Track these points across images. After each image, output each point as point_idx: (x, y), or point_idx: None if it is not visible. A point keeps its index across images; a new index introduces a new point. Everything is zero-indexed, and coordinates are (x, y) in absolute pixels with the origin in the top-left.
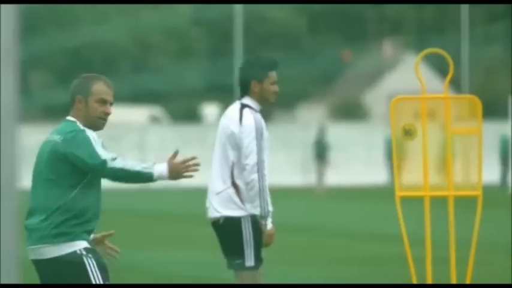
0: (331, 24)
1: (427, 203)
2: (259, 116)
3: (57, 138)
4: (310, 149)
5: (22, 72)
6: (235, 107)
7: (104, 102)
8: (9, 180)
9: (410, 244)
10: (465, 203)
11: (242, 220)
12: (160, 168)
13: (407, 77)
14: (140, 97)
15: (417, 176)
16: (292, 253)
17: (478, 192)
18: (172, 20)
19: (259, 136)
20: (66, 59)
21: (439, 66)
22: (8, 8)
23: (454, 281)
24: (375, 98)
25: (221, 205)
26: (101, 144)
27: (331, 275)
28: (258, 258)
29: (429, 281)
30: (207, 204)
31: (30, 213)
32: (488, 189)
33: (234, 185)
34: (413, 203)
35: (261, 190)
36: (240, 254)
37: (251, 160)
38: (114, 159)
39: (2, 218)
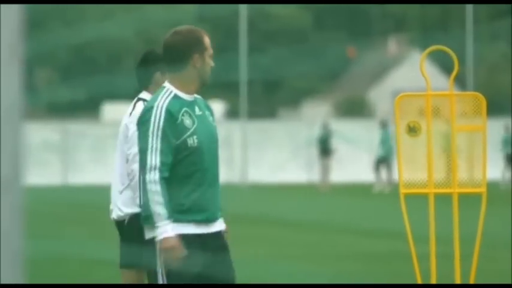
0: (335, 21)
1: (431, 200)
2: None
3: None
4: (311, 146)
5: (27, 70)
6: (132, 103)
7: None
8: (14, 177)
9: (414, 241)
10: (470, 200)
11: None
12: (168, 229)
13: (412, 74)
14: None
15: (422, 173)
16: (297, 249)
17: (483, 189)
18: (177, 16)
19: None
20: (71, 56)
21: (443, 64)
22: (12, 5)
23: (458, 278)
24: (379, 95)
25: (125, 204)
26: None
27: (336, 271)
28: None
29: (433, 278)
30: (111, 206)
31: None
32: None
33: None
34: (417, 200)
35: (143, 183)
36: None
37: (134, 149)
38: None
39: (6, 215)
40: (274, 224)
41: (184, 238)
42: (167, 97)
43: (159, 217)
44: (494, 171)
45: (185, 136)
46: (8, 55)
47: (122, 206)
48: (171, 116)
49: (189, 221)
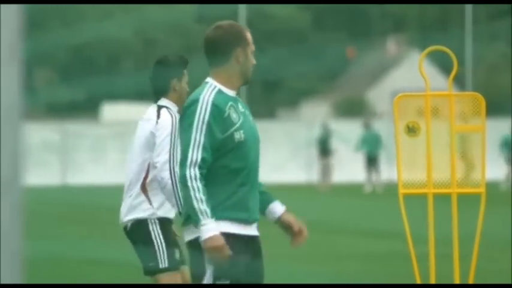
0: (335, 21)
1: (430, 200)
2: (177, 114)
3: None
4: (314, 146)
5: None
6: (152, 109)
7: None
8: (14, 177)
9: (413, 241)
10: (470, 200)
11: (148, 221)
12: (213, 227)
13: (411, 74)
14: (145, 94)
15: (422, 173)
16: (296, 249)
17: (482, 190)
18: (175, 16)
19: (174, 133)
20: (70, 56)
21: (442, 64)
22: (12, 5)
23: (457, 278)
24: (378, 95)
25: (129, 209)
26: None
27: (335, 272)
28: (173, 259)
29: (432, 278)
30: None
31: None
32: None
33: (143, 187)
34: (416, 200)
35: (182, 178)
36: (153, 257)
37: (162, 157)
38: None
39: (6, 216)
40: (273, 224)
41: (228, 237)
42: (212, 91)
43: (203, 215)
44: (496, 171)
45: (232, 130)
46: (8, 55)
47: (126, 210)
48: (218, 110)
49: (232, 219)
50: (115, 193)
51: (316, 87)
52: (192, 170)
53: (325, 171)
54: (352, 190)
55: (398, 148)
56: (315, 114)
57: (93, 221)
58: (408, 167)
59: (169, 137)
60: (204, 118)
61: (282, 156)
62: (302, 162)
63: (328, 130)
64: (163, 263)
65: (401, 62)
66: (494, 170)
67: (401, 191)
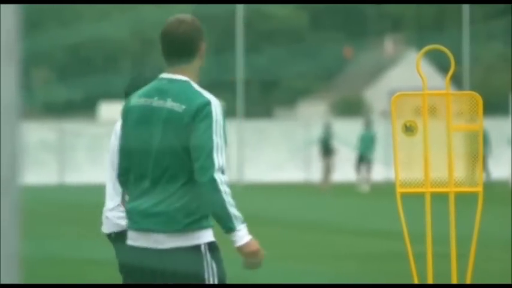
0: (332, 21)
1: (428, 199)
2: None
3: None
4: (312, 146)
5: (24, 69)
6: None
7: None
8: (12, 177)
9: (411, 240)
10: (470, 199)
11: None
12: (247, 232)
13: (408, 73)
14: None
15: (419, 172)
16: (294, 249)
17: (479, 189)
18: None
19: None
20: (67, 56)
21: (440, 63)
22: (9, 5)
23: (454, 277)
24: (375, 95)
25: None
26: None
27: (333, 271)
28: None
29: (430, 277)
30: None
31: None
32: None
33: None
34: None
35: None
36: None
37: None
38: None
39: (4, 215)
40: (271, 223)
41: (216, 245)
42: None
43: (237, 220)
44: (501, 169)
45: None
46: (5, 55)
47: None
48: (224, 112)
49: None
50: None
51: (314, 87)
52: (220, 174)
53: (327, 170)
54: (351, 190)
55: (395, 147)
56: (312, 113)
57: (90, 220)
58: (406, 166)
59: None
60: (219, 121)
61: (280, 156)
62: (300, 161)
63: (330, 129)
64: None
65: (399, 61)
66: (501, 169)
67: (399, 190)
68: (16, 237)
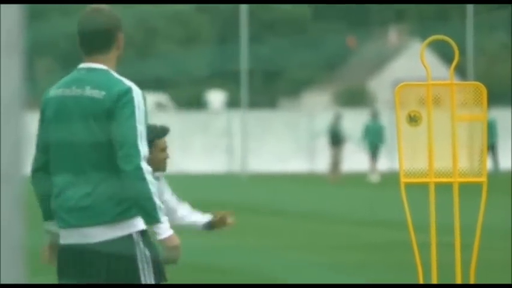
0: (335, 12)
1: (432, 189)
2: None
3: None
4: (319, 136)
5: (27, 59)
6: None
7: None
8: (15, 168)
9: (415, 230)
10: (475, 190)
11: None
12: (168, 226)
13: (412, 64)
14: (145, 84)
15: (423, 162)
16: (297, 239)
17: (483, 179)
18: (176, 7)
19: None
20: (70, 45)
21: (443, 54)
22: None
23: (458, 267)
24: (379, 85)
25: None
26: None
27: (336, 261)
28: None
29: (434, 267)
30: None
31: None
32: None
33: None
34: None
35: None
36: None
37: None
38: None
39: (6, 207)
40: (274, 213)
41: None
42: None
43: (162, 212)
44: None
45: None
46: (8, 46)
47: None
48: (145, 100)
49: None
50: None
51: (317, 77)
52: (145, 163)
53: (336, 161)
54: (355, 180)
55: (399, 137)
56: (316, 104)
57: None
58: (410, 156)
59: None
60: (142, 108)
61: (284, 146)
62: (304, 152)
63: (340, 119)
64: None
65: (403, 51)
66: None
67: (403, 180)
68: (19, 229)
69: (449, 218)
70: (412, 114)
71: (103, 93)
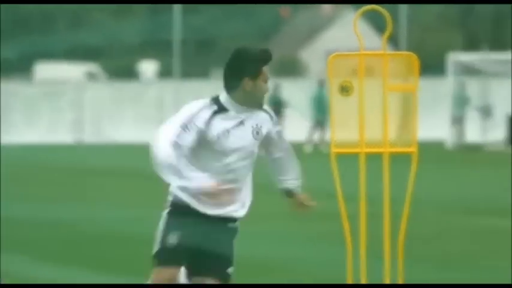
0: None
1: (362, 159)
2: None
3: None
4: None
5: None
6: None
7: None
8: None
9: (345, 200)
10: (406, 160)
11: None
12: None
13: (345, 34)
14: (77, 53)
15: (355, 132)
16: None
17: (413, 149)
18: None
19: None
20: (3, 15)
21: (377, 24)
22: None
23: (387, 237)
24: (312, 55)
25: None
26: None
27: (264, 231)
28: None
29: (362, 237)
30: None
31: None
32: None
33: None
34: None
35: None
36: None
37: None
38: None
39: None
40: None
41: None
42: None
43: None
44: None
45: None
46: None
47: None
48: None
49: None
50: (41, 149)
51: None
52: None
53: None
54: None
55: (331, 108)
56: None
57: (31, 180)
58: (341, 127)
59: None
60: None
61: None
62: None
63: (279, 88)
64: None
65: (336, 21)
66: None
67: (334, 150)
68: None
69: (380, 189)
70: (344, 85)
71: None
